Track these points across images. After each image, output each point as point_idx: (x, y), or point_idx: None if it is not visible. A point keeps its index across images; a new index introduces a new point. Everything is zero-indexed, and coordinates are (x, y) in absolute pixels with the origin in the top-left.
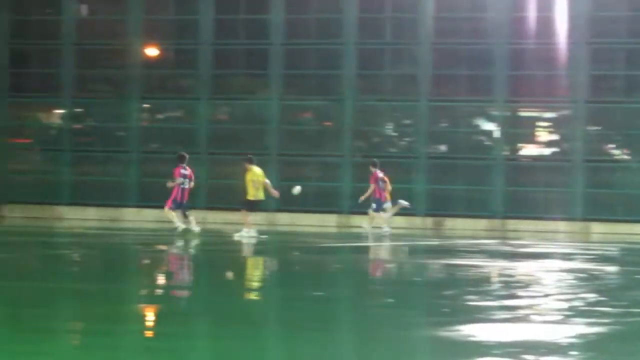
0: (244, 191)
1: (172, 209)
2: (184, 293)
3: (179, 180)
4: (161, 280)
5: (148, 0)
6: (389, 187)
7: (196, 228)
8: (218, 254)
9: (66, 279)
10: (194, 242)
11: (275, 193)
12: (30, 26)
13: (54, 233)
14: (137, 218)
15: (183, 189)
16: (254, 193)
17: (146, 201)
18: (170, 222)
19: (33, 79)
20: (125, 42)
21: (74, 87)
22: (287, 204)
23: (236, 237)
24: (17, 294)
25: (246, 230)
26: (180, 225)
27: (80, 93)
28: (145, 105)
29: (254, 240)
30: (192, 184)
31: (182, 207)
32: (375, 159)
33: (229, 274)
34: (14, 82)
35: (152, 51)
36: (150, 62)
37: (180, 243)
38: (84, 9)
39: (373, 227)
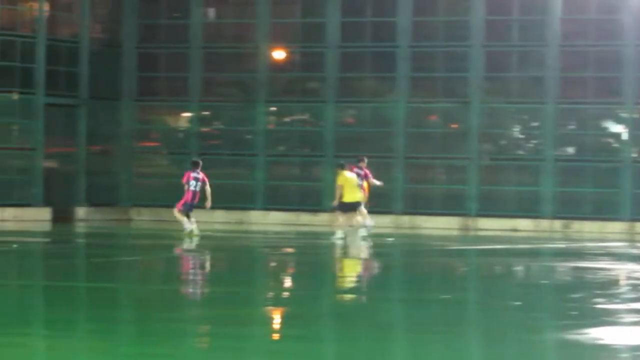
0: (338, 195)
1: (182, 211)
2: (310, 295)
3: (192, 183)
4: (287, 282)
5: (275, 4)
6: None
7: (195, 229)
8: (338, 256)
9: (194, 282)
10: (319, 244)
11: (378, 183)
12: (158, 30)
13: (180, 236)
14: (263, 221)
15: (195, 192)
16: (350, 196)
17: (272, 204)
18: (179, 222)
19: (161, 83)
20: (252, 45)
21: (201, 91)
22: (412, 207)
23: (334, 239)
24: (146, 297)
25: (339, 232)
26: (189, 227)
27: (207, 96)
28: (271, 109)
29: (340, 242)
30: (208, 187)
31: (190, 208)
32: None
33: (354, 276)
34: (141, 86)
35: (279, 54)
36: (277, 65)
37: (306, 246)
38: (211, 13)
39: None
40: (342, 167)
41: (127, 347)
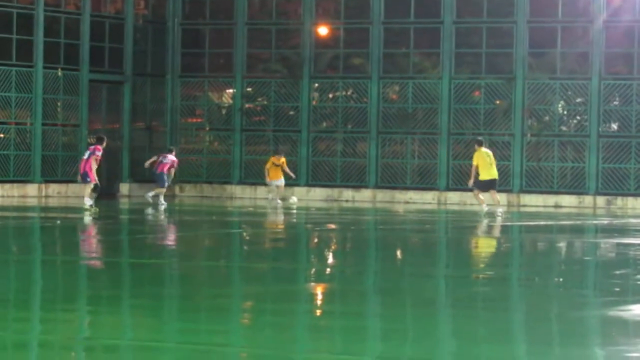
0: (473, 174)
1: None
2: (357, 272)
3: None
4: (329, 258)
5: None
6: None
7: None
8: (387, 233)
9: (238, 257)
10: (364, 220)
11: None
12: (203, 7)
13: (225, 212)
14: (306, 197)
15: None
16: (486, 172)
17: (315, 180)
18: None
19: (205, 59)
20: (297, 21)
21: (246, 67)
22: (457, 183)
23: (496, 216)
24: (193, 273)
25: (500, 210)
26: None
27: (251, 73)
28: (316, 85)
29: (500, 217)
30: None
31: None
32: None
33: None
34: (186, 62)
35: (323, 30)
36: (322, 42)
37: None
38: None
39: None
40: (480, 144)
41: (172, 323)
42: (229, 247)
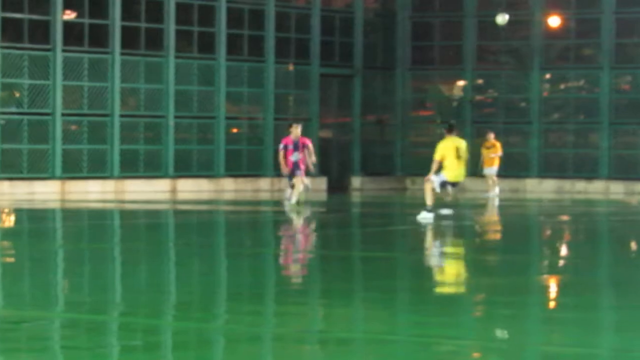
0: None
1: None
2: (591, 264)
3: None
4: (565, 250)
5: None
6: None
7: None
8: (621, 225)
9: (470, 249)
10: (598, 213)
11: None
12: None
13: (456, 204)
14: (537, 189)
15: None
16: (453, 171)
17: (547, 172)
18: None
19: (435, 52)
20: (527, 12)
21: (476, 59)
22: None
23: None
24: (422, 266)
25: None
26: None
27: (481, 64)
28: (546, 76)
29: None
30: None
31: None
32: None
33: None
34: (415, 54)
35: (553, 21)
36: (552, 32)
37: (588, 214)
38: None
39: None
40: (451, 130)
41: (404, 315)
42: (460, 238)
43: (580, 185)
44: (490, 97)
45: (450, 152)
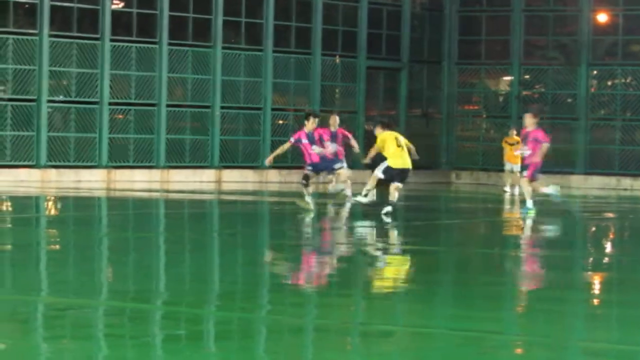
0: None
1: None
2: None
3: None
4: (610, 247)
5: None
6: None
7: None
8: None
9: (511, 245)
10: None
11: None
12: None
13: (501, 199)
14: (584, 185)
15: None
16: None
17: (594, 168)
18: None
19: (482, 46)
20: (575, 8)
21: (523, 54)
22: None
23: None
24: (465, 260)
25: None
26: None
27: (528, 60)
28: (594, 72)
29: None
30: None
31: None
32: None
33: None
34: (462, 49)
35: (601, 17)
36: (600, 28)
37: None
38: None
39: None
40: (385, 126)
41: (444, 308)
42: (502, 234)
43: (626, 182)
44: (537, 93)
45: (390, 141)
